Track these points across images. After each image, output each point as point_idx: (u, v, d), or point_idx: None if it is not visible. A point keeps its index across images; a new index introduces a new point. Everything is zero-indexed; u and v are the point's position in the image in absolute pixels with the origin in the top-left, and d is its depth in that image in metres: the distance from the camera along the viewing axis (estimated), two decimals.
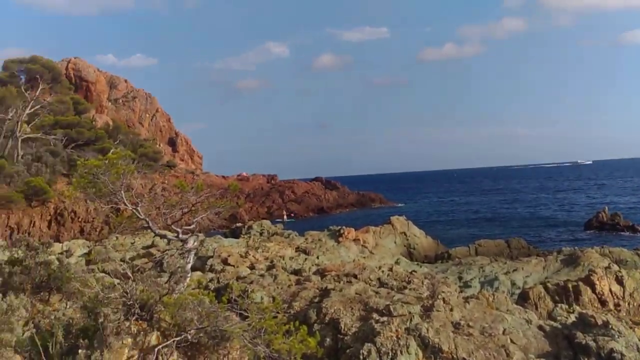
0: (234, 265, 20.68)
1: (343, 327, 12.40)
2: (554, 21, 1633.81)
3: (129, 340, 7.05)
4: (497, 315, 12.73)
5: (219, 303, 7.73)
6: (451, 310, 12.62)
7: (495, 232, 53.98)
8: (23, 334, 7.00)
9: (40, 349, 6.82)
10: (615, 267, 20.36)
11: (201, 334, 7.43)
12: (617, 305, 18.14)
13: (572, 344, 12.00)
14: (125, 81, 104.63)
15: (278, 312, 8.27)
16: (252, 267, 20.52)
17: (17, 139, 58.45)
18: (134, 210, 9.65)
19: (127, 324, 7.19)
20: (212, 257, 21.88)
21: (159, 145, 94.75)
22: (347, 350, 11.61)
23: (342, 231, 33.28)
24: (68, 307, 7.84)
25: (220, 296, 8.94)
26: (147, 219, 9.72)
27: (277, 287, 15.68)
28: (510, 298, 16.67)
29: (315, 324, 12.58)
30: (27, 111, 60.38)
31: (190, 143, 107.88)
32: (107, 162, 9.41)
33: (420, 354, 11.16)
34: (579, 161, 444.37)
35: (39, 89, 66.20)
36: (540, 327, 12.74)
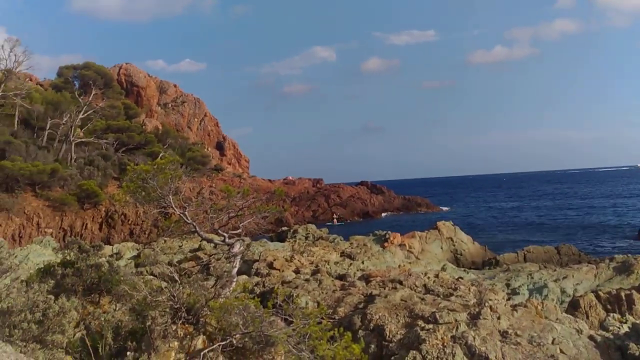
0: (279, 270, 20.77)
1: (388, 333, 12.27)
2: (609, 22, 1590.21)
3: (176, 343, 7.15)
4: (546, 324, 12.40)
5: (264, 308, 7.76)
6: (498, 318, 12.37)
7: (544, 238, 52.68)
8: (74, 335, 7.16)
9: (90, 350, 6.97)
10: None
11: (246, 339, 7.46)
12: None
13: (624, 355, 11.62)
14: (175, 86, 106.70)
15: (322, 318, 8.23)
16: (297, 272, 20.56)
17: (71, 143, 60.27)
18: (182, 215, 9.80)
19: (174, 327, 7.29)
20: (257, 260, 22.04)
21: (207, 149, 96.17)
22: (392, 358, 11.49)
23: (387, 236, 33.10)
24: (117, 309, 7.99)
25: (266, 300, 8.99)
26: (194, 224, 9.85)
27: (322, 292, 15.65)
28: (560, 306, 16.25)
29: (360, 330, 12.50)
30: (81, 116, 62.12)
31: (238, 147, 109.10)
32: (155, 167, 9.58)
33: None
34: (639, 165, 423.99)
35: (92, 94, 68.33)
36: (591, 337, 12.36)
